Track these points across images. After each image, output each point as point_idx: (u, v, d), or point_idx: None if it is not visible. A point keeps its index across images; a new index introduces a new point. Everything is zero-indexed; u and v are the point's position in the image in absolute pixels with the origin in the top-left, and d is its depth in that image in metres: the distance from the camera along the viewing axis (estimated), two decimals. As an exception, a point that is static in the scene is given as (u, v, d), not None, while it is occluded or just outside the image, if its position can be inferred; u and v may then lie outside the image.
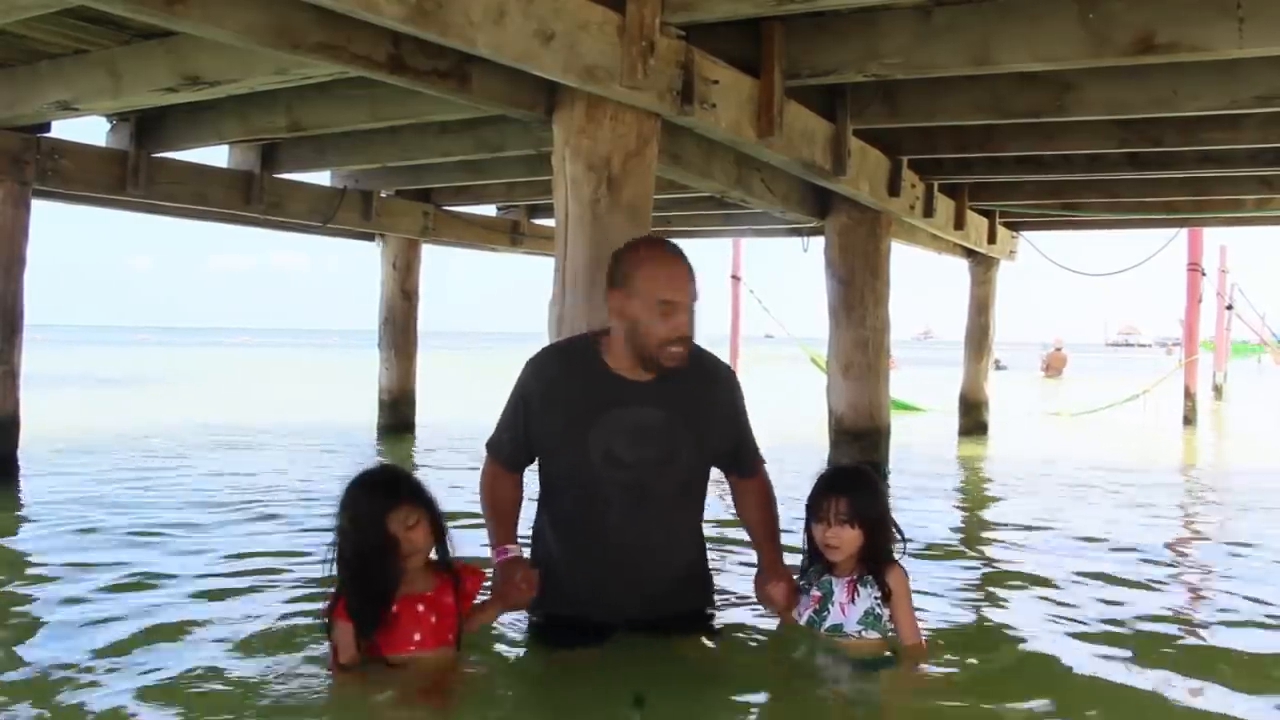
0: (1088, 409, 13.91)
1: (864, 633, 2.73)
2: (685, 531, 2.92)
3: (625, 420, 2.71)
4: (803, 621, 2.79)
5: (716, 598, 3.13)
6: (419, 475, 2.70)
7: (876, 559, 2.74)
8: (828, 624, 2.75)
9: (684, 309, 2.66)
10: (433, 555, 2.63)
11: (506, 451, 2.86)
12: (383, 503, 2.49)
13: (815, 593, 2.80)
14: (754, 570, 2.96)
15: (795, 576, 2.88)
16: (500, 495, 2.87)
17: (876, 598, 2.73)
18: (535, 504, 2.93)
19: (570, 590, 2.82)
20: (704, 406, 2.80)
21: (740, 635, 3.07)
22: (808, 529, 2.80)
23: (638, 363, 2.71)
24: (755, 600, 2.96)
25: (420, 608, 2.53)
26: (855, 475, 2.90)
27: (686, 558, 2.93)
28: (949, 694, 2.66)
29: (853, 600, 2.74)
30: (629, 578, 2.80)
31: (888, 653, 2.74)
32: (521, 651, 2.89)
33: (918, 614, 2.85)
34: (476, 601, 2.73)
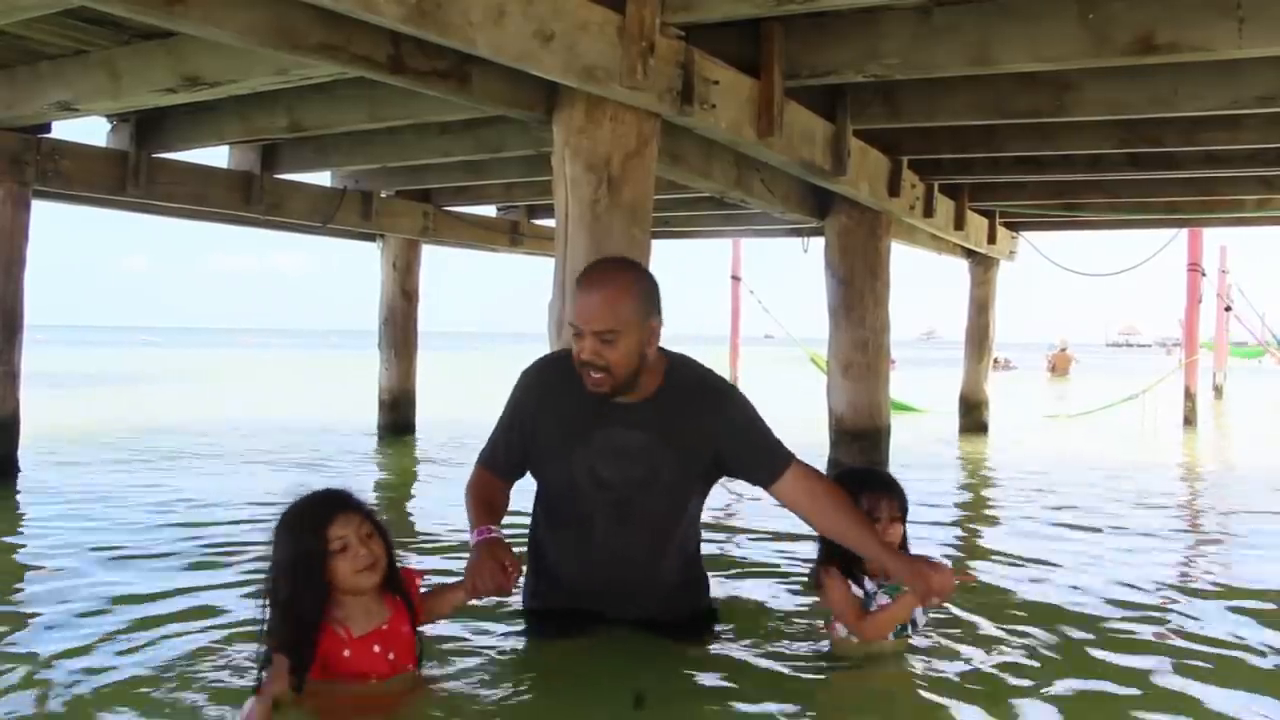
0: (1084, 410, 13.90)
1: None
2: (674, 546, 2.87)
3: (607, 441, 2.69)
4: None
5: (718, 596, 3.12)
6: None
7: (906, 550, 2.80)
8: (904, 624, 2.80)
9: (585, 335, 2.59)
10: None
11: (500, 460, 2.82)
12: (327, 511, 2.32)
13: (883, 599, 2.73)
14: (762, 568, 2.93)
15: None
16: (488, 493, 2.79)
17: None
18: (532, 506, 2.93)
19: (568, 587, 2.84)
20: (687, 426, 2.73)
21: (739, 634, 3.06)
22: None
23: None
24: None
25: (376, 648, 2.37)
26: (883, 474, 2.99)
27: (675, 570, 2.89)
28: (947, 693, 2.66)
29: None
30: (618, 590, 2.81)
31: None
32: (517, 645, 2.89)
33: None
34: (441, 584, 2.70)
